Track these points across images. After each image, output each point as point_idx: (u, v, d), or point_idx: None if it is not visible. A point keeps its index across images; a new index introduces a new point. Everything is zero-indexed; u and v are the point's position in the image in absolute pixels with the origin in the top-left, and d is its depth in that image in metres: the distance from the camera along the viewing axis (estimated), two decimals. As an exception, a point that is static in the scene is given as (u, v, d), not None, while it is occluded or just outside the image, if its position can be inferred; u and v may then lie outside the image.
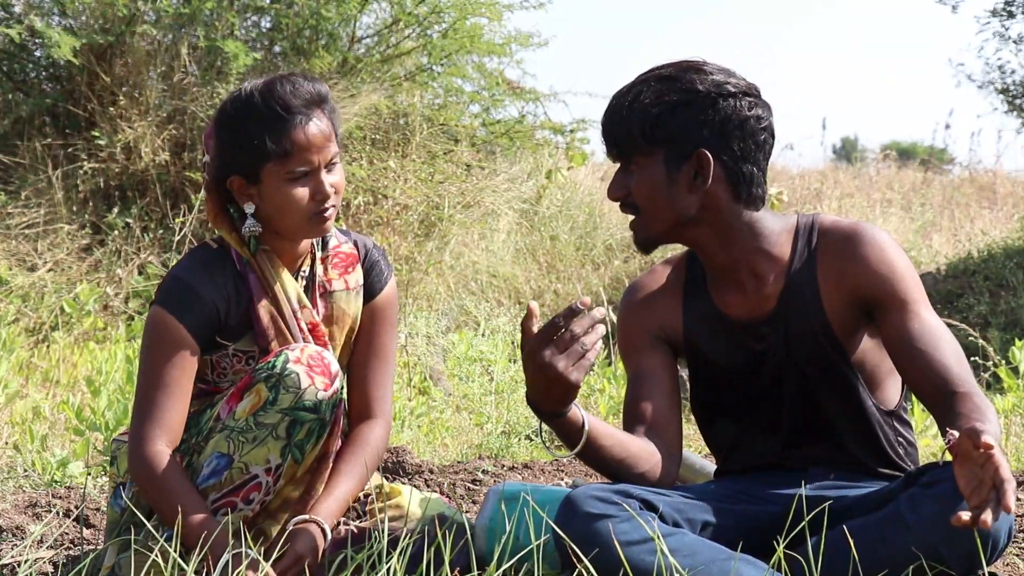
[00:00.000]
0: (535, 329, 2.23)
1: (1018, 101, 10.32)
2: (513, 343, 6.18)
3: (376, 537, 2.45)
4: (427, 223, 7.53)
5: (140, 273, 6.70)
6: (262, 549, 2.46)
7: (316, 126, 2.46)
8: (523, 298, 7.69)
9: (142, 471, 2.42)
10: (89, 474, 3.70)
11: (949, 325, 2.52)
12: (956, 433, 2.07)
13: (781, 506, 2.43)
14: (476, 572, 2.41)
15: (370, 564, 2.37)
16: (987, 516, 1.99)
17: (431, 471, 3.67)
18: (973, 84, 10.44)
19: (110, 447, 2.70)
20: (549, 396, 2.27)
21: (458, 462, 3.99)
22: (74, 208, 6.92)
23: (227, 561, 2.27)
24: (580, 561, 2.19)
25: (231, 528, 2.38)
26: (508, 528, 2.39)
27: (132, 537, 2.44)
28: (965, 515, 1.99)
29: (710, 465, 2.99)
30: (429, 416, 4.88)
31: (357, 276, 2.64)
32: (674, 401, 2.53)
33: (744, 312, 2.50)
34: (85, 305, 6.14)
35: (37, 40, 7.13)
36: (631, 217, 2.48)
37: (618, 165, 2.48)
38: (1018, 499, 2.99)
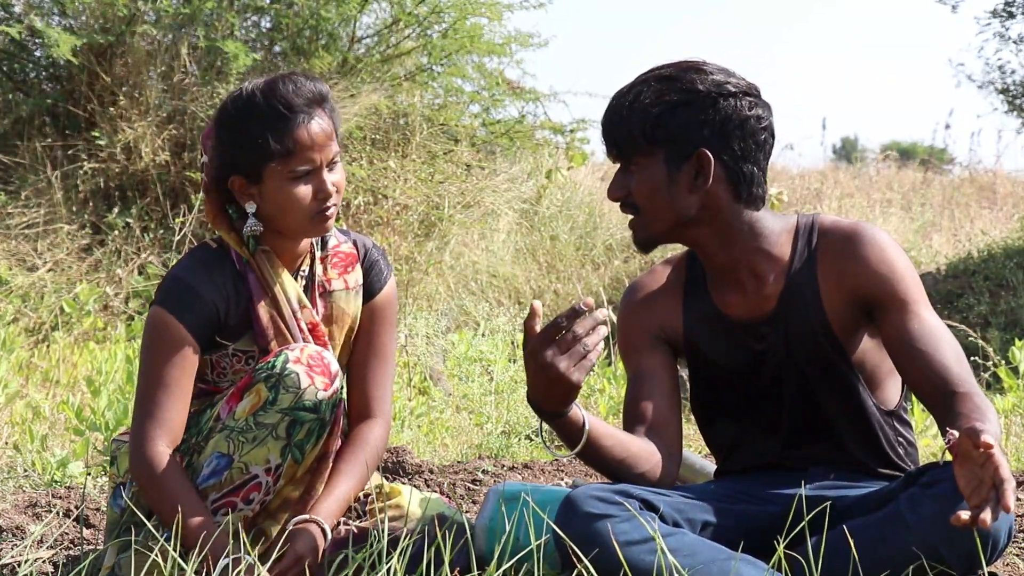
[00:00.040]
0: (537, 329, 2.23)
1: (1018, 101, 10.33)
2: (513, 343, 6.18)
3: (376, 537, 2.45)
4: (427, 223, 7.53)
5: (140, 273, 6.70)
6: (261, 550, 2.46)
7: (318, 125, 2.46)
8: (523, 298, 7.69)
9: (143, 471, 2.42)
10: (89, 474, 3.70)
11: (949, 325, 2.52)
12: (956, 433, 2.07)
13: (781, 506, 2.43)
14: (476, 572, 2.41)
15: (370, 564, 2.37)
16: (987, 516, 1.99)
17: (431, 471, 3.67)
18: (973, 84, 10.46)
19: (110, 447, 2.70)
20: (550, 396, 2.27)
21: (458, 462, 3.99)
22: (74, 208, 6.92)
23: (226, 564, 2.27)
24: (580, 561, 2.19)
25: (231, 529, 2.38)
26: (508, 528, 2.39)
27: (132, 537, 2.44)
28: (965, 515, 1.99)
29: (710, 465, 2.99)
30: (429, 416, 4.88)
31: (356, 276, 2.64)
32: (674, 401, 2.53)
33: (744, 312, 2.50)
34: (85, 305, 6.14)
35: (37, 40, 7.13)
36: (631, 217, 2.48)
37: (618, 165, 2.48)
38: (1018, 499, 2.99)
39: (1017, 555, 2.66)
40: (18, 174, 6.98)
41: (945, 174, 13.49)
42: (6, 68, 7.34)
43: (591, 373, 4.86)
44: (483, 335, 6.38)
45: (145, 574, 2.40)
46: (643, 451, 2.43)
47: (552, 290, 7.95)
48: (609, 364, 5.91)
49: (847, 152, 21.51)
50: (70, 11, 7.12)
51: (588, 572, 2.16)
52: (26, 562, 2.47)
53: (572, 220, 8.71)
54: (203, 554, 2.31)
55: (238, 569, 2.27)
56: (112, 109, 7.03)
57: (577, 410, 2.33)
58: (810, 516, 2.32)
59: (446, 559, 2.22)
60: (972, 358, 5.27)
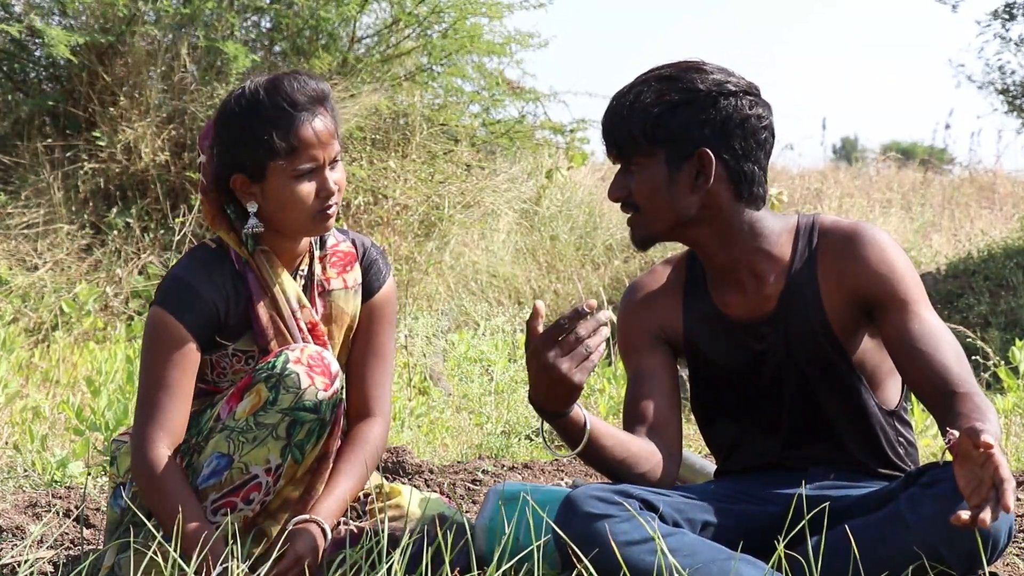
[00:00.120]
0: (540, 329, 2.23)
1: (1018, 101, 10.32)
2: (513, 343, 6.18)
3: (376, 537, 2.45)
4: (427, 223, 7.53)
5: (140, 273, 6.70)
6: (262, 550, 2.46)
7: (322, 123, 2.46)
8: (523, 298, 7.69)
9: (143, 474, 2.42)
10: (89, 474, 3.70)
11: (949, 326, 2.52)
12: (956, 433, 2.07)
13: (781, 506, 2.43)
14: (476, 572, 2.42)
15: (370, 564, 2.37)
16: (987, 516, 1.99)
17: (431, 471, 3.67)
18: (973, 85, 10.45)
19: (110, 447, 2.70)
20: (552, 396, 2.27)
21: (458, 462, 3.99)
22: (74, 208, 6.92)
23: (224, 568, 2.27)
24: (580, 561, 2.19)
25: (230, 530, 2.38)
26: (508, 528, 2.39)
27: (132, 538, 2.44)
28: (965, 514, 1.99)
29: (710, 465, 2.99)
30: (429, 416, 4.88)
31: (355, 275, 2.64)
32: (674, 401, 2.53)
33: (744, 312, 2.50)
34: (85, 305, 6.14)
35: (37, 40, 7.13)
36: (630, 215, 2.48)
37: (618, 166, 2.48)
38: (1018, 499, 2.99)
39: (1017, 555, 2.66)
40: (18, 174, 6.98)
41: (945, 174, 13.49)
42: (6, 68, 7.34)
43: (591, 373, 4.86)
44: (483, 335, 6.38)
45: (145, 574, 2.40)
46: (643, 451, 2.43)
47: (552, 290, 7.96)
48: (609, 364, 5.91)
49: (847, 152, 21.51)
50: (70, 11, 7.12)
51: (588, 572, 2.16)
52: (26, 562, 2.47)
53: (572, 220, 8.71)
54: (203, 554, 2.30)
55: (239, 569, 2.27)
56: (112, 109, 7.03)
57: (578, 410, 2.33)
58: (810, 515, 2.32)
59: (446, 559, 2.22)
60: (972, 358, 5.27)
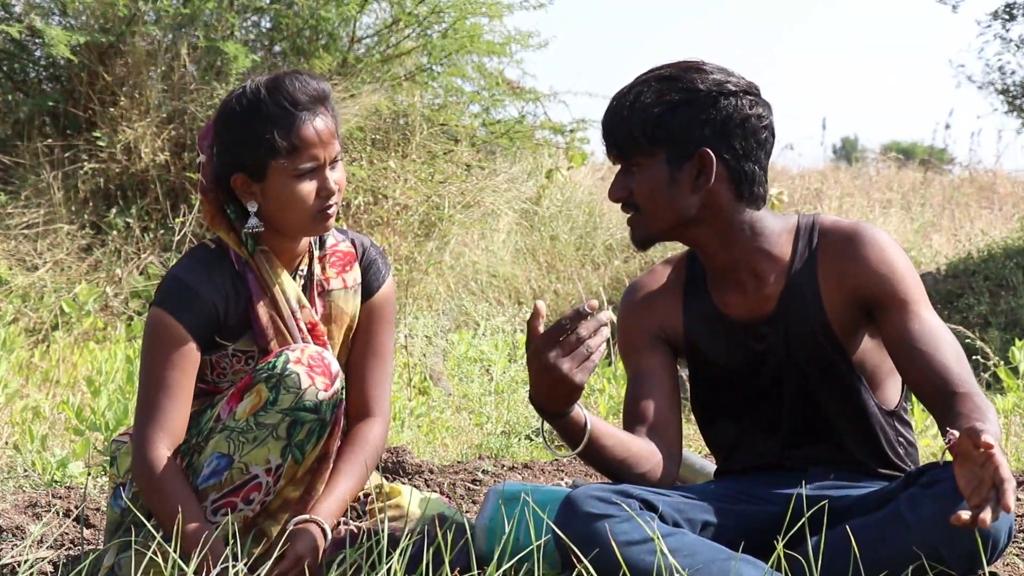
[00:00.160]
0: (541, 329, 2.23)
1: (1018, 102, 10.32)
2: (514, 343, 6.18)
3: (376, 537, 2.45)
4: (427, 223, 7.53)
5: (140, 273, 6.70)
6: (262, 551, 2.46)
7: (323, 122, 2.46)
8: (523, 298, 7.69)
9: (143, 475, 2.42)
10: (89, 474, 3.70)
11: (949, 326, 2.52)
12: (956, 433, 2.07)
13: (781, 506, 2.43)
14: (476, 572, 2.42)
15: (370, 564, 2.37)
16: (987, 516, 1.99)
17: (431, 471, 3.67)
18: (973, 85, 10.45)
19: (110, 447, 2.70)
20: (553, 396, 2.27)
21: (458, 462, 3.99)
22: (74, 208, 6.92)
23: (224, 568, 2.27)
24: (580, 561, 2.19)
25: (230, 530, 2.38)
26: (508, 528, 2.39)
27: (132, 538, 2.44)
28: (965, 514, 1.99)
29: (710, 465, 2.99)
30: (429, 416, 4.88)
31: (355, 275, 2.64)
32: (674, 401, 2.53)
33: (744, 312, 2.50)
34: (85, 305, 6.14)
35: (37, 40, 7.13)
36: (629, 215, 2.48)
37: (618, 166, 2.48)
38: (1018, 499, 2.99)
39: (1017, 555, 2.66)
40: (18, 174, 6.98)
41: (945, 174, 13.49)
42: (6, 68, 7.34)
43: (592, 373, 4.87)
44: (483, 335, 6.38)
45: (144, 574, 2.40)
46: (644, 451, 2.43)
47: (552, 290, 7.95)
48: (609, 364, 5.91)
49: (847, 152, 21.51)
50: (70, 11, 7.12)
51: (588, 572, 2.16)
52: (26, 562, 2.47)
53: (572, 220, 8.71)
54: (203, 554, 2.31)
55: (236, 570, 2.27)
56: (112, 109, 7.03)
57: (579, 410, 2.33)
58: (808, 514, 2.32)
59: (446, 559, 2.22)
60: (972, 358, 5.27)
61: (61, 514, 3.20)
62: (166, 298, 2.47)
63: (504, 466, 3.85)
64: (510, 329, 6.52)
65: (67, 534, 3.01)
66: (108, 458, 3.02)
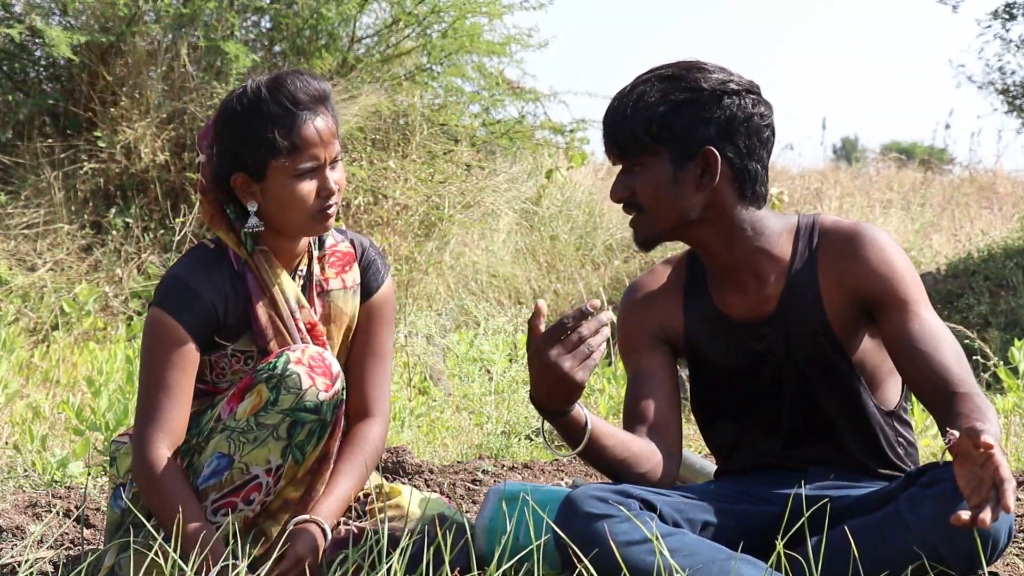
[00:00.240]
0: (542, 328, 2.24)
1: (1018, 102, 10.32)
2: (514, 343, 6.18)
3: (376, 537, 2.45)
4: (427, 223, 7.53)
5: (140, 273, 6.70)
6: (262, 551, 2.46)
7: (323, 122, 2.46)
8: (523, 298, 7.69)
9: (144, 475, 2.42)
10: (89, 474, 3.70)
11: (948, 326, 2.52)
12: (956, 433, 2.07)
13: (781, 506, 2.42)
14: (476, 572, 2.41)
15: (370, 564, 2.37)
16: (987, 516, 1.99)
17: (431, 471, 3.67)
18: (973, 85, 10.45)
19: (110, 447, 2.70)
20: (554, 395, 2.27)
21: (458, 462, 3.99)
22: (74, 208, 6.92)
23: (224, 567, 2.27)
24: (580, 561, 2.19)
25: (229, 530, 2.38)
26: (508, 528, 2.39)
27: (132, 538, 2.44)
28: (965, 514, 1.99)
29: (710, 465, 2.99)
30: (429, 416, 4.88)
31: (354, 275, 2.64)
32: (674, 401, 2.53)
33: (744, 312, 2.50)
34: (85, 305, 6.14)
35: (37, 40, 7.13)
36: (631, 216, 2.48)
37: (619, 167, 2.48)
38: (1018, 499, 2.99)
39: (1017, 555, 2.66)
40: (18, 174, 6.98)
41: (945, 174, 13.49)
42: (6, 68, 7.34)
43: (592, 372, 4.87)
44: (483, 335, 6.38)
45: (145, 574, 2.40)
46: (644, 451, 2.43)
47: (552, 290, 7.95)
48: (609, 364, 5.91)
49: (847, 152, 21.51)
50: (71, 11, 7.12)
51: (588, 572, 2.16)
52: (26, 562, 2.47)
53: (572, 220, 8.71)
54: (203, 554, 2.31)
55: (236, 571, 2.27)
56: (112, 109, 7.03)
57: (579, 409, 2.33)
58: (808, 513, 2.32)
59: (446, 559, 2.22)
60: (972, 358, 5.27)
61: (61, 514, 3.20)
62: (165, 298, 2.47)
63: (504, 466, 3.85)
64: (510, 329, 6.52)
65: (67, 534, 3.01)
66: (108, 458, 3.02)
